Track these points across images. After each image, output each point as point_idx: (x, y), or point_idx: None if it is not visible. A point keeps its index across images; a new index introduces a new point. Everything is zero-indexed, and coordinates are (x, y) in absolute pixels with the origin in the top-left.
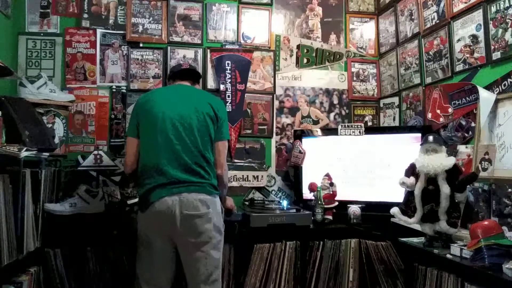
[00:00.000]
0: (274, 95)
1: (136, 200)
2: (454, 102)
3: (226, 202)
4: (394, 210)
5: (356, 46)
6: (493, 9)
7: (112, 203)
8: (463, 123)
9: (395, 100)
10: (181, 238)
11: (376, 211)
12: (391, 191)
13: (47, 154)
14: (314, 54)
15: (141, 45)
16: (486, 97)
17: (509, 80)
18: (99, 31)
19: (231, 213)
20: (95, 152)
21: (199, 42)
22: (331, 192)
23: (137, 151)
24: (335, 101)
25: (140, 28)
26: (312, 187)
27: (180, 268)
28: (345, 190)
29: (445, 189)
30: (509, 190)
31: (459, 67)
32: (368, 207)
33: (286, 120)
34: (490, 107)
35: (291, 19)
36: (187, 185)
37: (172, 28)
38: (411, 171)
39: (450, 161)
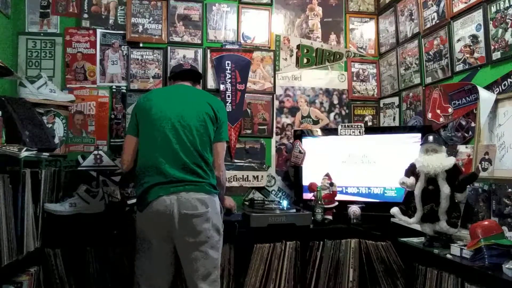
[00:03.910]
0: (274, 95)
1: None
2: (454, 102)
3: (225, 202)
4: (394, 210)
5: (356, 46)
6: (493, 9)
7: (112, 203)
8: (463, 123)
9: (395, 100)
10: (179, 237)
11: (376, 211)
12: (391, 191)
13: (47, 154)
14: (314, 54)
15: (141, 45)
16: (486, 97)
17: (509, 80)
18: (99, 31)
19: (231, 212)
20: (95, 152)
21: (199, 42)
22: (331, 192)
23: (135, 150)
24: (335, 101)
25: (140, 28)
26: (312, 187)
27: (180, 267)
28: (345, 190)
29: (445, 189)
30: (509, 190)
31: (459, 67)
32: (368, 207)
33: (286, 120)
34: (490, 107)
35: (291, 19)
36: (185, 184)
37: (172, 28)
38: (411, 171)
39: (450, 161)
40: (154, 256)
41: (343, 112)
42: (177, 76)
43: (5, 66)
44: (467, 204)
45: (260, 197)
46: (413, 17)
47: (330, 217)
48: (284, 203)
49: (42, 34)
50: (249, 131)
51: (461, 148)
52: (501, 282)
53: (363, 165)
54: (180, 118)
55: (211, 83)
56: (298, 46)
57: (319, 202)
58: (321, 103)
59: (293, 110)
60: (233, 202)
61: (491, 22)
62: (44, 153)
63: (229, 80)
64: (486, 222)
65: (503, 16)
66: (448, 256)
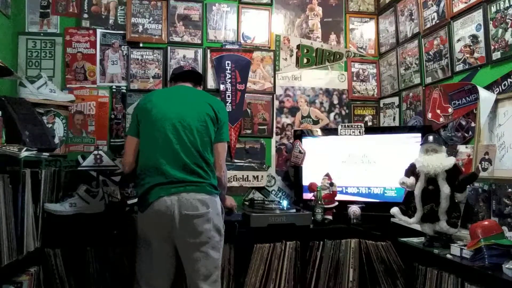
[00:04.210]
0: (274, 95)
1: (136, 200)
2: (454, 102)
3: (226, 202)
4: (394, 210)
5: (356, 46)
6: (493, 9)
7: (112, 203)
8: (463, 123)
9: (395, 100)
10: (180, 238)
11: (376, 211)
12: (391, 191)
13: (47, 154)
14: (314, 54)
15: (141, 45)
16: (486, 97)
17: (509, 80)
18: (99, 31)
19: (231, 212)
20: (95, 152)
21: (199, 42)
22: (331, 192)
23: (136, 150)
24: (335, 101)
25: (140, 28)
26: (312, 187)
27: (180, 268)
28: (345, 190)
29: (445, 189)
30: (509, 190)
31: (459, 67)
32: (368, 207)
33: (286, 120)
34: (490, 107)
35: (291, 19)
36: (185, 185)
37: (172, 28)
38: (411, 171)
39: (450, 161)
40: (155, 256)
41: (343, 112)
42: (178, 77)
43: (5, 66)
44: (467, 204)
45: (260, 197)
46: (413, 17)
47: (330, 217)
48: (284, 203)
49: (42, 34)
50: (249, 131)
51: (461, 148)
52: (501, 282)
53: (363, 165)
54: (181, 119)
55: (211, 83)
56: (298, 46)
57: (319, 202)
58: (321, 103)
59: (293, 110)
60: (234, 202)
61: (491, 22)
62: (44, 153)
63: (229, 80)
64: (486, 222)
65: (503, 16)
66: (448, 256)
